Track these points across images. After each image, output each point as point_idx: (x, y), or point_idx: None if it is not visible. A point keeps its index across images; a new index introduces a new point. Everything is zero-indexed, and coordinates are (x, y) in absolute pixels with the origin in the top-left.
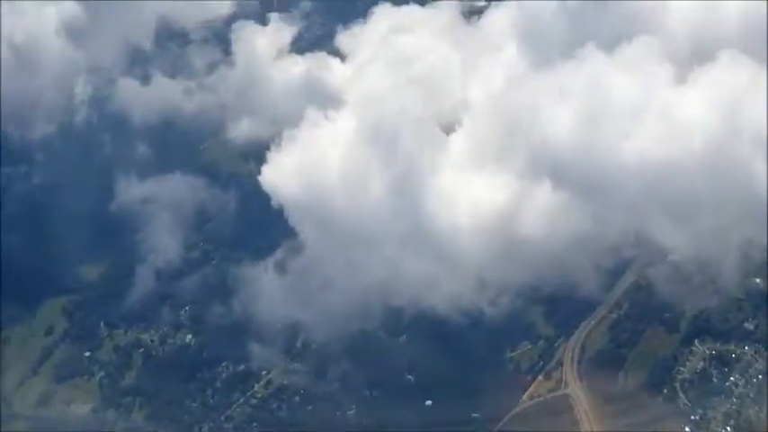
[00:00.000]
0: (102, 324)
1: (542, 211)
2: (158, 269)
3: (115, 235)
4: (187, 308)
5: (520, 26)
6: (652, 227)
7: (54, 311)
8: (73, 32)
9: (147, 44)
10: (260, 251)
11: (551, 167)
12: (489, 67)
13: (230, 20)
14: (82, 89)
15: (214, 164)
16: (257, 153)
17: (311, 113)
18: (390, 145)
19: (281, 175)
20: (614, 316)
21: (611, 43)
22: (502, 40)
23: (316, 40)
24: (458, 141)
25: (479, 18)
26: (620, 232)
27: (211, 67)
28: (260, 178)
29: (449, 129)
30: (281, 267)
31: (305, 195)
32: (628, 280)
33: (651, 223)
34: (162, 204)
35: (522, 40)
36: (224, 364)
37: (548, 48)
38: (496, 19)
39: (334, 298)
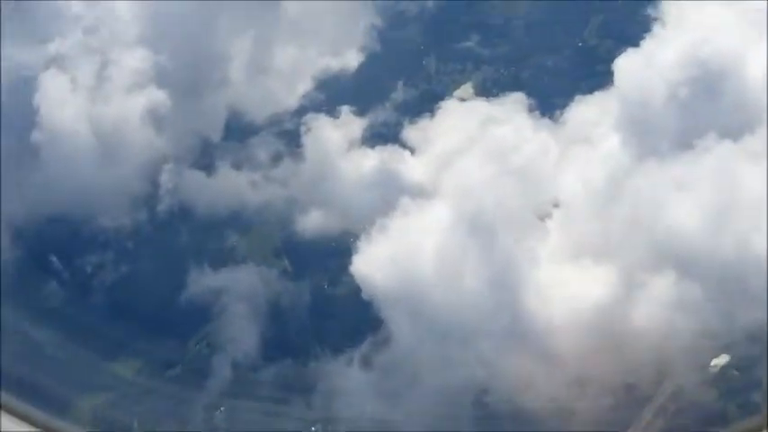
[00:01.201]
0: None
1: (655, 305)
2: (234, 362)
3: (186, 327)
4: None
5: (621, 117)
6: None
7: None
8: (157, 121)
9: (216, 135)
10: (342, 345)
11: (673, 259)
12: (588, 158)
13: (299, 112)
14: (165, 178)
15: (286, 255)
16: (331, 244)
17: (404, 203)
18: (486, 236)
19: (372, 265)
20: None
21: (731, 133)
22: (597, 132)
23: (383, 134)
24: (556, 234)
25: (561, 112)
26: (744, 329)
27: (277, 160)
28: (351, 268)
29: (546, 221)
30: (365, 362)
31: (397, 286)
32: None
33: None
34: (236, 295)
35: (626, 132)
36: None
37: (657, 138)
38: (584, 111)
39: (425, 395)
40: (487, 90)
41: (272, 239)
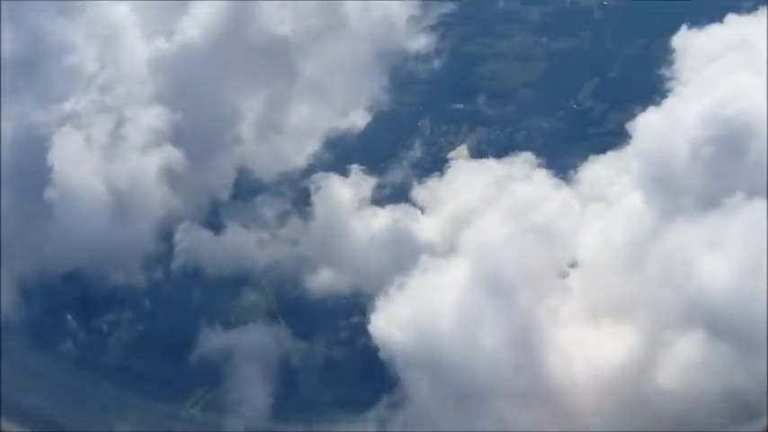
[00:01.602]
0: None
1: (680, 366)
2: (247, 422)
3: (196, 387)
4: None
5: (641, 176)
6: None
7: None
8: (172, 179)
9: (225, 194)
10: (356, 405)
11: (700, 318)
12: (608, 216)
13: (307, 171)
14: (180, 237)
15: (297, 314)
16: (342, 303)
17: (420, 261)
18: (506, 295)
19: (389, 323)
20: None
21: (760, 191)
22: (613, 191)
23: (393, 192)
24: (577, 292)
25: (575, 171)
26: None
27: (286, 218)
28: (367, 327)
29: (566, 279)
30: (382, 422)
31: (414, 345)
32: None
33: None
34: (247, 354)
35: (647, 190)
36: None
37: (681, 197)
38: (597, 170)
39: None
40: (482, 151)
41: (282, 298)
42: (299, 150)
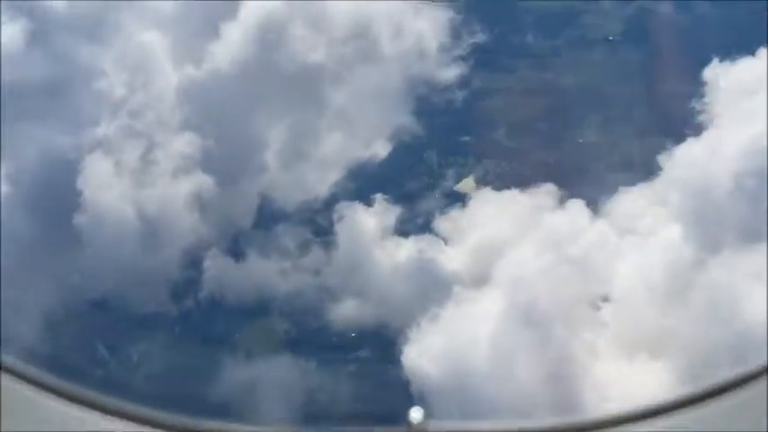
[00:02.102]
0: None
1: None
2: None
3: (220, 418)
4: None
5: (681, 208)
6: None
7: None
8: (201, 206)
9: (247, 222)
10: None
11: (743, 355)
12: (643, 250)
13: (330, 200)
14: (208, 264)
15: (321, 345)
16: (367, 335)
17: (456, 292)
18: (540, 328)
19: (422, 356)
20: None
21: None
22: (645, 224)
23: (416, 223)
24: (613, 327)
25: (603, 204)
26: None
27: (307, 248)
28: (400, 359)
29: (600, 313)
30: None
31: (448, 378)
32: None
33: None
34: (271, 387)
35: (685, 223)
36: None
37: (722, 229)
38: (628, 203)
39: None
40: (505, 183)
41: (304, 329)
42: (323, 179)
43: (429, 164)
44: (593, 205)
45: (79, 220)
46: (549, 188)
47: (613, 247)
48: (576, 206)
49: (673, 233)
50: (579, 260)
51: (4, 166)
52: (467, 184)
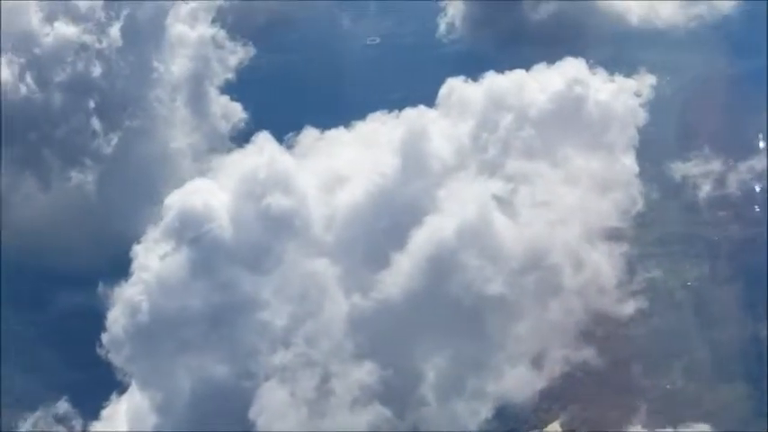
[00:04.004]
0: None
1: None
2: None
3: None
4: None
5: None
6: None
7: None
8: None
9: None
10: None
11: None
12: None
13: None
14: None
15: None
16: None
17: None
18: None
19: None
20: None
21: None
22: None
23: None
24: None
25: None
26: None
27: None
28: None
29: None
30: None
31: None
32: None
33: None
34: None
35: None
36: None
37: None
38: None
39: None
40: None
41: None
42: (473, 415)
43: None
44: None
45: None
46: (703, 428)
47: None
48: None
49: None
50: None
51: (159, 397)
52: (552, 428)
